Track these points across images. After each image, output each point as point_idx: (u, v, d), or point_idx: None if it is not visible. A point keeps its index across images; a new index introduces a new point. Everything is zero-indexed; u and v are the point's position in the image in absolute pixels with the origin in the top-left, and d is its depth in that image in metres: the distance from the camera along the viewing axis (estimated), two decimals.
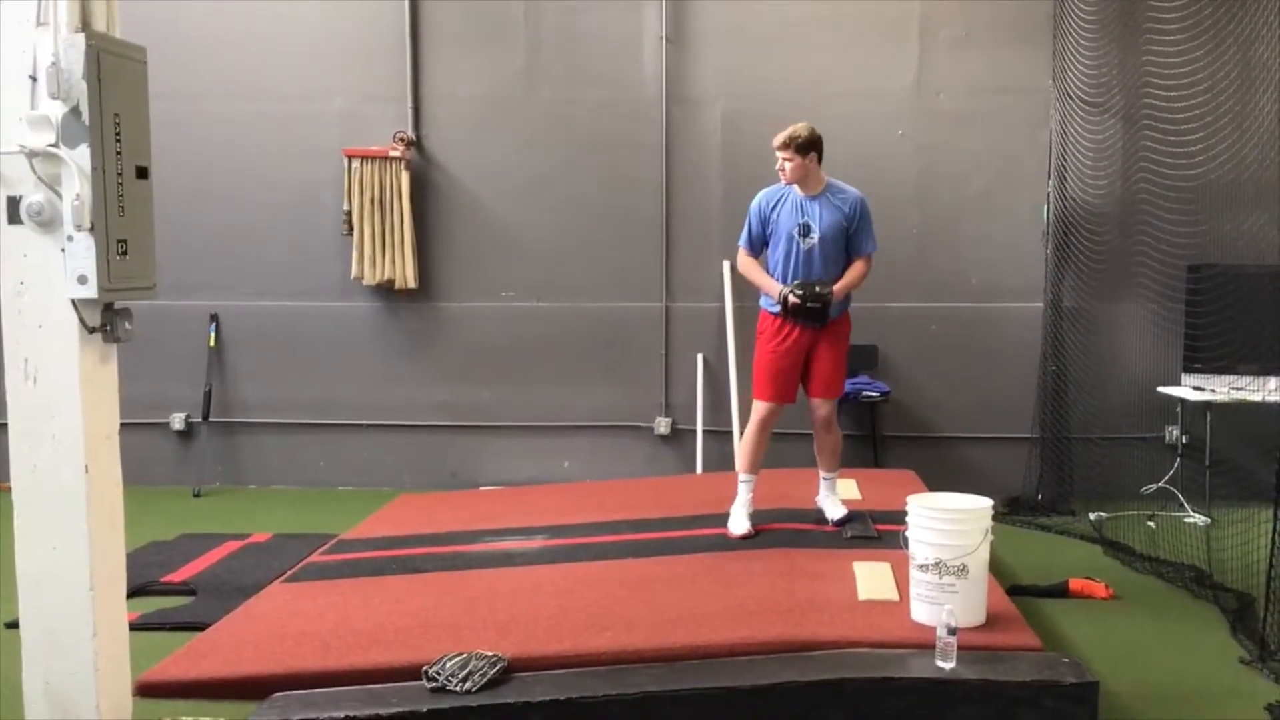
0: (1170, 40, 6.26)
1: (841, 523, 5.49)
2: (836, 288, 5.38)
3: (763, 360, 5.49)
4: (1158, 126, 6.51)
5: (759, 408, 5.50)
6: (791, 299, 5.30)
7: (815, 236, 5.34)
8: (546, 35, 7.72)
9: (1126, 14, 6.83)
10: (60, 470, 3.30)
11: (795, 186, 5.38)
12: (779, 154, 5.31)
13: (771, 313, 5.47)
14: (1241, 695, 4.12)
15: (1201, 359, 6.63)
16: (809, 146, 5.28)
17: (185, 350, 7.87)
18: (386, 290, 7.79)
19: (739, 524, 5.45)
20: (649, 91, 7.67)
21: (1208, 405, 6.61)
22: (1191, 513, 6.58)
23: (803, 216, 5.36)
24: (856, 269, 5.45)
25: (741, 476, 5.55)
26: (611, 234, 7.76)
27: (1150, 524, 6.35)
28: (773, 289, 5.38)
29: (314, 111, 7.79)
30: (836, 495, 5.65)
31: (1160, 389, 6.79)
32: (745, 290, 7.58)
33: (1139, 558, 5.82)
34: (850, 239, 5.42)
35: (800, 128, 5.27)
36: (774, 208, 5.41)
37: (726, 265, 7.63)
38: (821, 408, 5.52)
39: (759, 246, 5.48)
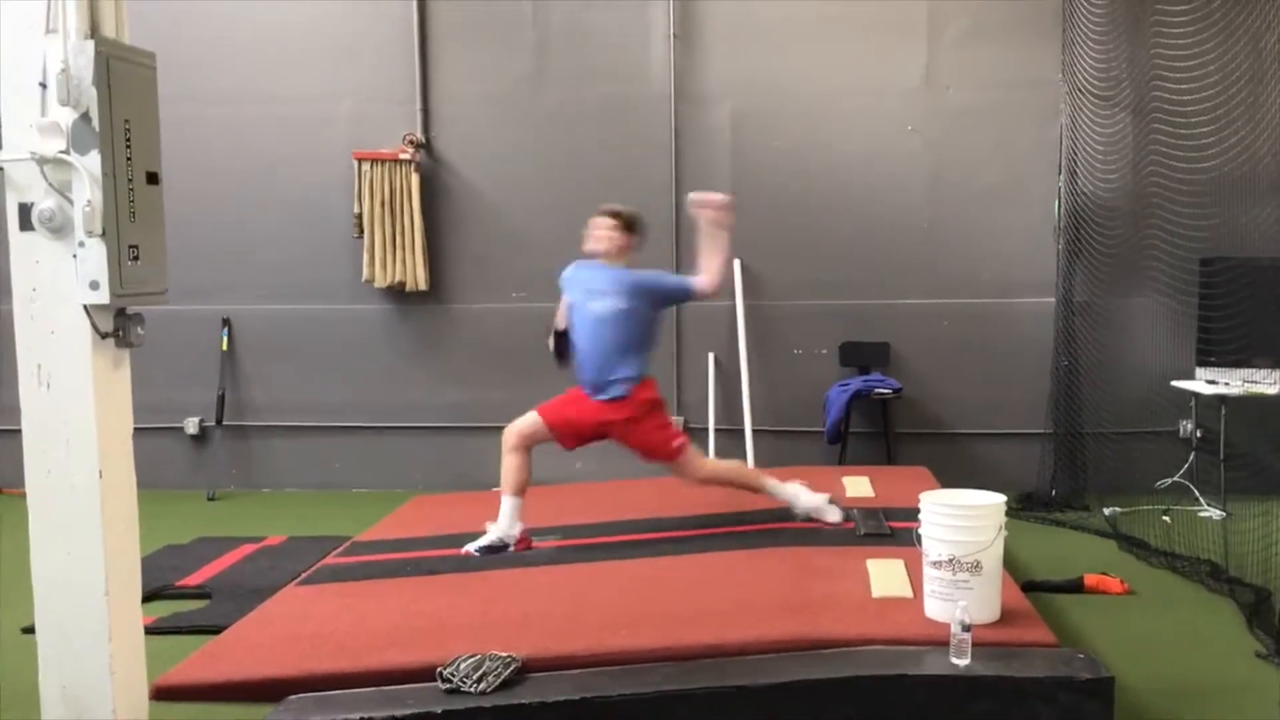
0: (1180, 32, 6.23)
1: (807, 518, 5.53)
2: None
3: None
4: (1169, 119, 6.48)
5: None
6: None
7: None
8: (555, 34, 7.73)
9: (1136, 6, 6.80)
10: (74, 475, 3.32)
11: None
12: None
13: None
14: (1257, 690, 4.10)
15: (1215, 352, 6.59)
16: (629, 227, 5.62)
17: (198, 354, 7.90)
18: (397, 292, 7.81)
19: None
20: (658, 89, 7.67)
21: (1222, 399, 6.58)
22: (1206, 507, 6.55)
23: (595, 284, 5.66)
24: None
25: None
26: None
27: (1165, 518, 6.32)
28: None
29: (323, 114, 7.82)
30: (789, 492, 5.65)
31: (1174, 383, 6.77)
32: (759, 289, 7.61)
33: (1154, 552, 5.79)
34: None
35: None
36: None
37: (737, 263, 7.62)
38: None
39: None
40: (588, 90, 7.74)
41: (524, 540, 5.58)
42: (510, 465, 5.62)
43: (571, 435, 5.62)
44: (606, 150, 7.76)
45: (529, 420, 5.65)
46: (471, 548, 5.51)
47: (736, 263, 7.63)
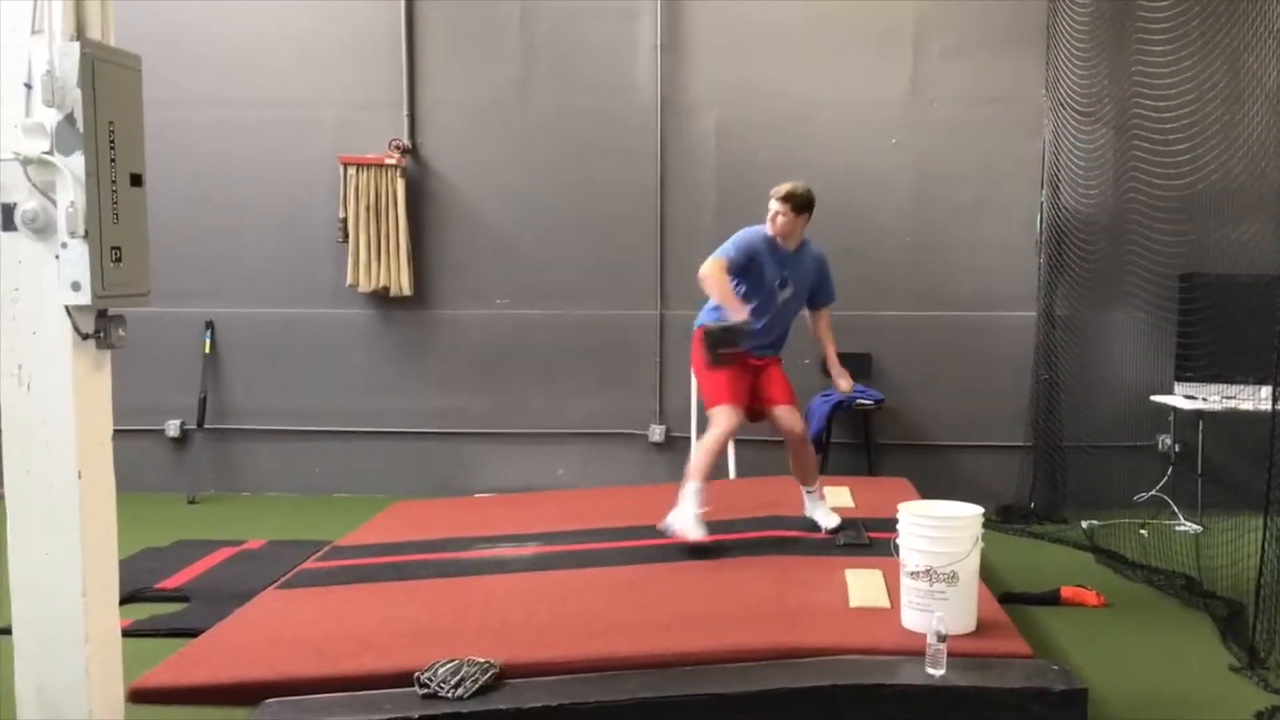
0: (1160, 50, 6.29)
1: (835, 531, 5.52)
2: (832, 356, 5.79)
3: (720, 368, 5.46)
4: (1148, 136, 6.54)
5: (726, 415, 5.42)
6: (736, 335, 5.36)
7: (790, 290, 5.52)
8: (542, 42, 7.75)
9: (1118, 23, 6.86)
10: (53, 476, 3.31)
11: (779, 239, 5.47)
12: (775, 204, 5.40)
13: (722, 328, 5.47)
14: (1231, 702, 4.13)
15: (1193, 367, 6.65)
16: (805, 207, 5.45)
17: (180, 357, 7.88)
18: (381, 297, 7.81)
19: (698, 530, 5.36)
20: (644, 99, 7.69)
21: (1199, 414, 6.63)
22: (1183, 521, 6.60)
23: (785, 270, 5.47)
24: (827, 322, 5.83)
25: (698, 485, 5.41)
26: (606, 241, 7.78)
27: (1142, 532, 6.36)
28: (739, 312, 5.34)
29: (309, 118, 7.82)
30: (825, 504, 5.68)
31: (1153, 397, 6.82)
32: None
33: (1130, 565, 5.83)
34: (816, 292, 5.69)
35: (801, 186, 5.42)
36: (762, 252, 5.48)
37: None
38: (788, 417, 5.56)
39: (733, 273, 5.47)
40: (574, 99, 7.76)
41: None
42: None
43: None
44: (592, 159, 7.78)
45: None
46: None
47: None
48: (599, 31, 7.72)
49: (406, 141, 7.74)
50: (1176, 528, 6.50)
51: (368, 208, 7.64)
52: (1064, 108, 7.16)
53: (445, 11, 7.78)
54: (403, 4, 7.69)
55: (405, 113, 7.76)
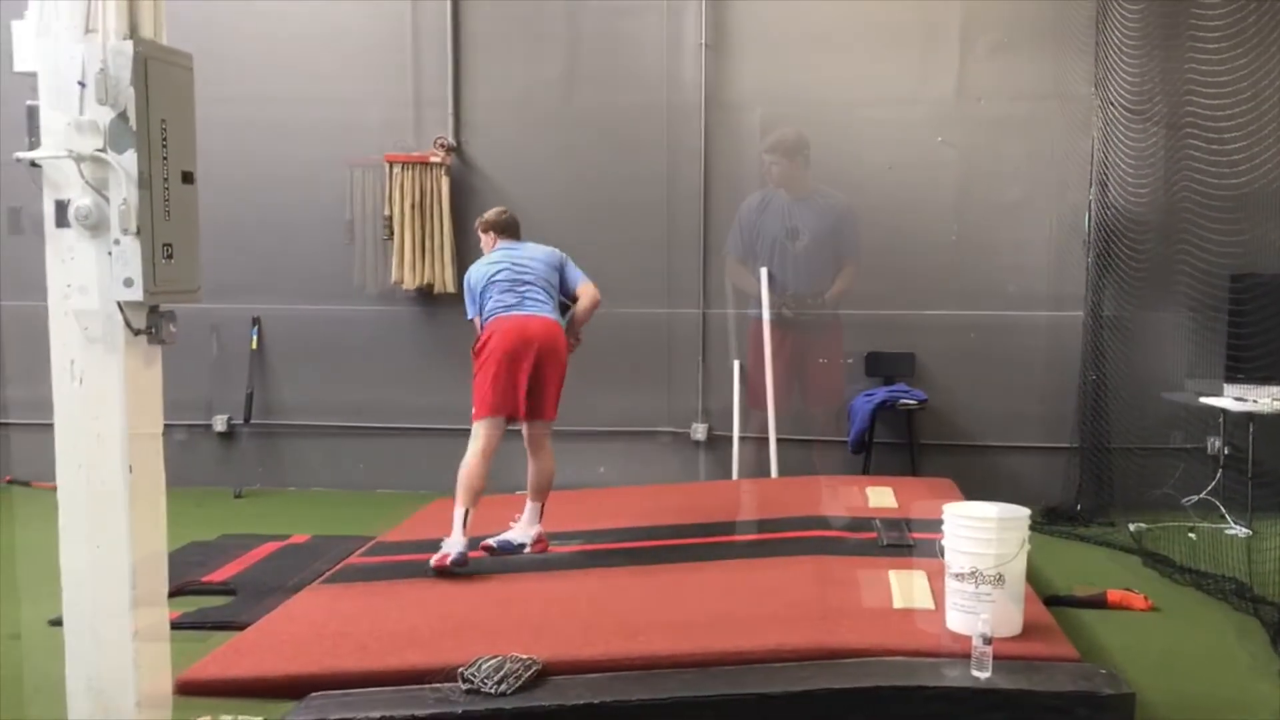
0: (1213, 47, 6.20)
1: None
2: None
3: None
4: (1201, 134, 6.44)
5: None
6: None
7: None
8: (586, 40, 7.76)
9: (1169, 21, 6.77)
10: (104, 470, 3.34)
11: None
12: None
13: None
14: None
15: (1244, 369, 6.54)
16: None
17: (228, 353, 7.96)
18: (426, 294, 7.85)
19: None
20: (688, 96, 7.68)
21: (1250, 416, 6.53)
22: (1233, 524, 6.50)
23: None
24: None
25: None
26: (650, 239, 7.77)
27: (1191, 535, 6.28)
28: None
29: (355, 117, 7.87)
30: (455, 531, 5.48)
31: (1202, 399, 6.72)
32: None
33: (1179, 569, 5.75)
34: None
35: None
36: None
37: (764, 272, 7.61)
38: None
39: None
40: (618, 97, 7.76)
41: (541, 542, 5.61)
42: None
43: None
44: (636, 157, 7.78)
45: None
46: (492, 541, 5.54)
47: (763, 271, 7.63)
48: (643, 29, 7.72)
49: (451, 140, 7.78)
50: (1226, 531, 6.41)
51: (413, 206, 7.69)
52: (1113, 105, 7.07)
53: (490, 10, 7.81)
54: (448, 3, 7.73)
55: (450, 111, 7.80)
